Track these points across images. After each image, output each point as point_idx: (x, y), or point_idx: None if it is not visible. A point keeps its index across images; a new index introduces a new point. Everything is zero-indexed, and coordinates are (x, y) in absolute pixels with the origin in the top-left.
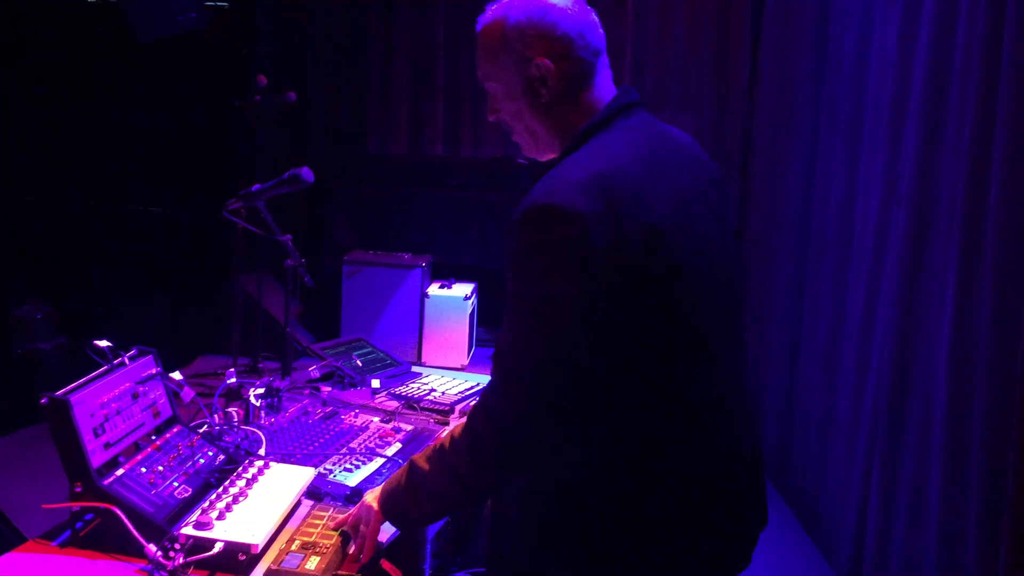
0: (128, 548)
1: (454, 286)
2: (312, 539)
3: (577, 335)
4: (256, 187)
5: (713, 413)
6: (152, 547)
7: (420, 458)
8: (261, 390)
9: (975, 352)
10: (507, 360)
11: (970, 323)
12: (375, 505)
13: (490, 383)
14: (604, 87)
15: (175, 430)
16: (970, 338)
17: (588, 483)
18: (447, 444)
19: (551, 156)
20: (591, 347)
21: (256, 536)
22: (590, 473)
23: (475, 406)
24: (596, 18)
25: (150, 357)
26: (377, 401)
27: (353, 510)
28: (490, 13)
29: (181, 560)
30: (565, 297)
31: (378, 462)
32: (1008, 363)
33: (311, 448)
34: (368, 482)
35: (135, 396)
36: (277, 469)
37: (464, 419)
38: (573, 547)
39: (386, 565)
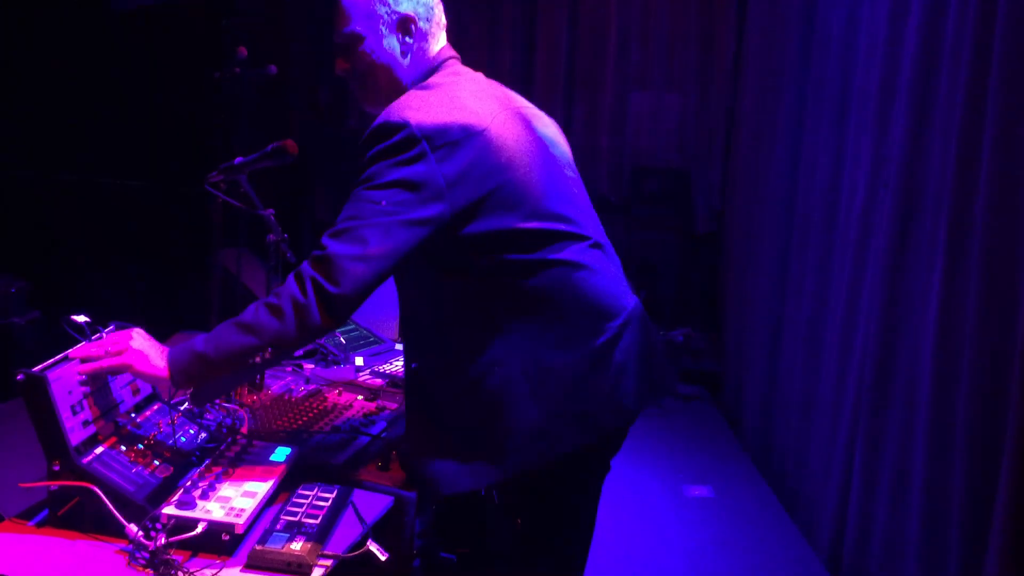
0: (108, 528)
1: None
2: (297, 519)
3: None
4: (239, 160)
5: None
6: (133, 527)
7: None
8: None
9: (962, 335)
10: None
11: (957, 306)
12: (161, 363)
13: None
14: None
15: (155, 407)
16: (957, 321)
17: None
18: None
19: None
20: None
21: (239, 516)
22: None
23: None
24: None
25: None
26: (361, 379)
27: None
28: None
29: (163, 540)
30: None
31: (363, 440)
32: (997, 345)
33: (295, 426)
34: (353, 460)
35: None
36: (260, 447)
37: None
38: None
39: (373, 546)
